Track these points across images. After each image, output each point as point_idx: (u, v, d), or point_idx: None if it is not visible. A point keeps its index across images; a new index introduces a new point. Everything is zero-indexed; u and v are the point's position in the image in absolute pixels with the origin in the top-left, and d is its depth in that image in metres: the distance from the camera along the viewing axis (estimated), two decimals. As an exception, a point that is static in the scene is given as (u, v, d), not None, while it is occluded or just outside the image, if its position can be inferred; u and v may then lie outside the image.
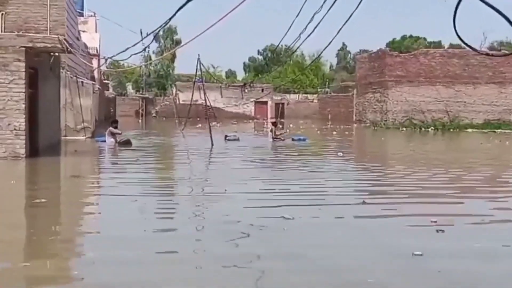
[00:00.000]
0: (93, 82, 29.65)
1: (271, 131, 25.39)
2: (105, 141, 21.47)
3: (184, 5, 7.10)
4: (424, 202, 9.76)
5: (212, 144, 21.59)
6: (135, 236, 6.97)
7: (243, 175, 12.95)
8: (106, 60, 41.32)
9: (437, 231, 7.35)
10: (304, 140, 24.94)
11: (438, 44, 75.51)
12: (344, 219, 8.13)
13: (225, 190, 10.42)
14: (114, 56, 21.37)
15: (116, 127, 22.07)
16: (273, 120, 27.12)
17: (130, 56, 10.69)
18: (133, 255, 6.11)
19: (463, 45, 4.38)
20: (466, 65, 42.78)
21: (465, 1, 3.63)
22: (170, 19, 7.61)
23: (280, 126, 25.49)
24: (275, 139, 24.87)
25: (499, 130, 37.72)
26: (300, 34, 11.89)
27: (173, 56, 78.72)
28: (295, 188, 11.04)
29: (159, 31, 8.33)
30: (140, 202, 9.33)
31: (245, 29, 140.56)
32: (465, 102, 42.49)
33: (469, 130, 38.40)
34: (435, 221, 7.70)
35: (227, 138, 25.41)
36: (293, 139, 25.01)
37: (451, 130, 38.69)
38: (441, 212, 8.73)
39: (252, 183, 11.79)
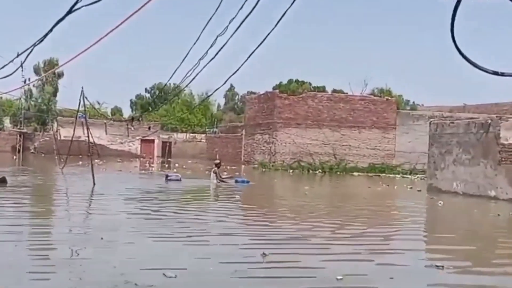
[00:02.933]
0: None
1: (214, 172, 24.07)
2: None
3: (60, 20, 6.05)
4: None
5: (94, 184, 20.03)
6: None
7: (125, 221, 11.65)
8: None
9: None
10: (247, 182, 24.05)
11: (322, 89, 77.62)
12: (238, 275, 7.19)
13: (102, 238, 9.24)
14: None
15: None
16: (218, 161, 25.90)
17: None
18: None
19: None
20: (351, 109, 43.85)
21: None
22: (46, 35, 6.51)
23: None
24: (221, 181, 23.64)
25: (383, 174, 38.63)
26: (190, 71, 11.32)
27: (55, 90, 75.46)
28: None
29: (32, 48, 7.14)
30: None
31: (132, 66, 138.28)
32: (350, 145, 43.39)
33: (355, 173, 39.02)
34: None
35: (168, 178, 24.12)
36: (236, 181, 24.12)
37: (338, 173, 39.14)
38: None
39: (133, 230, 10.54)
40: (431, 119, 28.21)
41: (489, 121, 20.96)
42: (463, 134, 21.91)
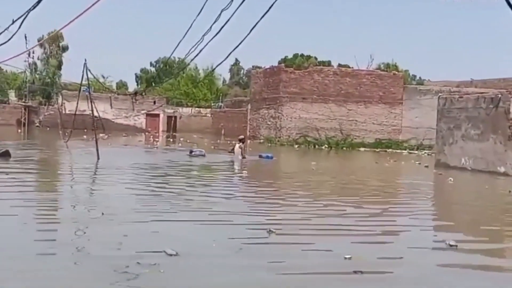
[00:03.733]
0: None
1: (240, 147, 23.81)
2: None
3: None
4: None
5: (98, 158, 19.82)
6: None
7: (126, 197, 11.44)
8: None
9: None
10: (271, 158, 23.88)
11: (328, 64, 76.91)
12: (243, 250, 6.98)
13: (102, 213, 9.07)
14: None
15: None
16: (242, 136, 25.67)
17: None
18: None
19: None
20: (358, 84, 43.36)
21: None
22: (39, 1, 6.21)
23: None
24: (244, 157, 23.31)
25: (390, 150, 38.35)
26: (194, 47, 11.07)
27: (60, 63, 75.04)
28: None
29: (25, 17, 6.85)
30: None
31: (137, 40, 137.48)
32: (356, 121, 43.00)
33: (362, 149, 38.73)
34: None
35: (192, 153, 23.84)
36: (260, 156, 24.01)
37: (344, 148, 38.84)
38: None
39: (137, 204, 10.33)
40: (440, 94, 27.80)
41: (499, 95, 20.57)
42: (472, 109, 21.55)
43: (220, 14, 9.42)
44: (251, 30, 9.39)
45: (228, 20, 9.30)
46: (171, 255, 6.49)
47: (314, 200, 12.00)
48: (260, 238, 7.75)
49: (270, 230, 8.05)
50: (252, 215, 9.99)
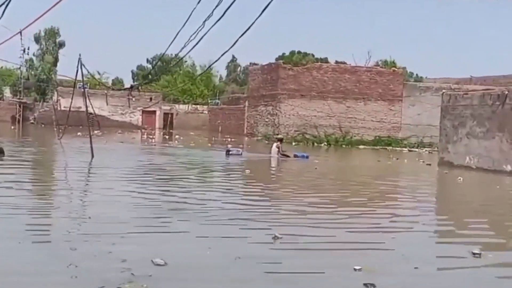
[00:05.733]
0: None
1: (277, 147, 23.85)
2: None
3: None
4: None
5: (93, 156, 19.21)
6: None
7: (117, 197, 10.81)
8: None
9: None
10: (307, 157, 23.50)
11: (325, 61, 76.31)
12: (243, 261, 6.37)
13: (89, 217, 8.50)
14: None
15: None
16: (280, 136, 25.79)
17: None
18: None
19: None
20: (357, 81, 42.83)
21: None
22: None
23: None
24: (282, 156, 23.28)
25: (390, 148, 37.82)
26: (187, 42, 10.85)
27: (56, 60, 74.39)
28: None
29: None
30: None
31: (134, 37, 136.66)
32: (355, 118, 42.46)
33: (361, 146, 38.19)
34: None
35: (229, 153, 23.65)
36: (296, 156, 23.66)
37: (344, 146, 38.28)
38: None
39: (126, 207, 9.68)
40: (444, 91, 27.23)
41: (506, 92, 20.00)
42: (477, 106, 20.97)
43: (212, 12, 9.52)
44: (246, 31, 9.55)
45: (221, 17, 9.29)
46: (158, 265, 5.87)
47: (320, 201, 11.39)
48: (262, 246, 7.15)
49: (275, 236, 7.46)
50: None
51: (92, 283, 5.26)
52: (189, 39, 10.11)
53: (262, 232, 7.85)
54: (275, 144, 24.35)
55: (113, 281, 5.29)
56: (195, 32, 9.86)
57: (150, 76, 55.36)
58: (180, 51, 13.02)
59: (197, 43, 9.45)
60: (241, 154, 23.99)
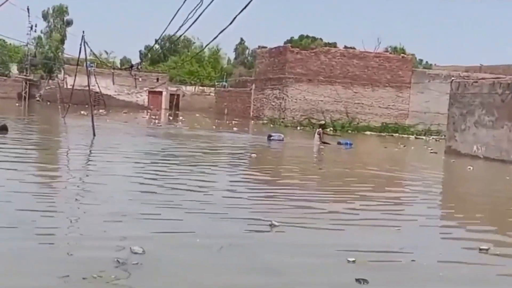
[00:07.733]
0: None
1: (318, 133, 23.38)
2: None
3: None
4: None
5: (94, 135, 18.98)
6: None
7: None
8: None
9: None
10: (350, 144, 23.19)
11: (334, 46, 75.71)
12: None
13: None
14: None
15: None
16: (323, 122, 25.20)
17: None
18: None
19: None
20: (365, 66, 42.33)
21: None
22: None
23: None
24: (323, 143, 22.78)
25: (396, 134, 37.43)
26: (186, 20, 10.68)
27: (63, 38, 74.07)
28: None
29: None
30: None
31: (143, 17, 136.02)
32: (363, 104, 42.04)
33: (368, 132, 37.80)
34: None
35: (271, 138, 23.42)
36: (339, 143, 23.30)
37: (350, 131, 37.92)
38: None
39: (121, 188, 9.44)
40: (453, 78, 26.78)
41: (516, 81, 19.58)
42: (487, 94, 20.55)
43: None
44: (244, 7, 9.18)
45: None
46: (136, 253, 5.54)
47: (328, 189, 11.11)
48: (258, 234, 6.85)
49: (272, 224, 7.18)
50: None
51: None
52: (187, 17, 9.87)
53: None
54: (317, 131, 23.87)
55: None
56: (193, 10, 9.63)
57: (149, 55, 55.19)
58: (178, 29, 12.79)
59: (195, 21, 9.18)
60: (283, 139, 23.68)
